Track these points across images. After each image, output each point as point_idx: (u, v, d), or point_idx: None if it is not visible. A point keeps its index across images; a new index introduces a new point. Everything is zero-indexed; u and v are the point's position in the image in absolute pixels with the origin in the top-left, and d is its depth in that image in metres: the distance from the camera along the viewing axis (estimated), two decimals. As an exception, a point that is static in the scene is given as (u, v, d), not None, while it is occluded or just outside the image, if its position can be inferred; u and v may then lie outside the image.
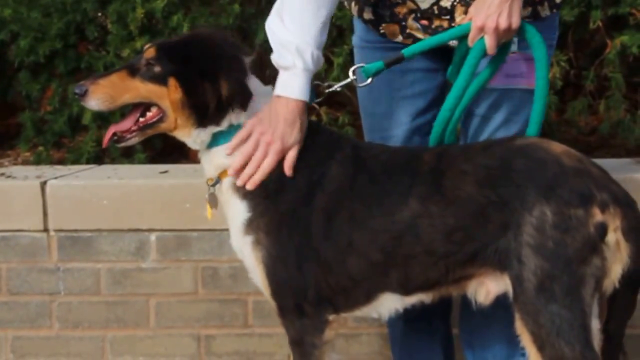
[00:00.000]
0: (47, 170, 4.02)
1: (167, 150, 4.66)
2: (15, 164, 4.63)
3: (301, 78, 2.69)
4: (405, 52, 2.83)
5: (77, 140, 4.70)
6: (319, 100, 2.86)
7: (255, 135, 2.65)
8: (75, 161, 4.53)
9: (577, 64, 4.67)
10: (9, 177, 3.86)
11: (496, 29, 2.68)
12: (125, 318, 3.75)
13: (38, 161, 4.60)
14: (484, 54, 2.73)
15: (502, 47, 2.76)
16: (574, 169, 2.48)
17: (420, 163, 2.62)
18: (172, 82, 2.61)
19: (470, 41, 2.74)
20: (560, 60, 4.32)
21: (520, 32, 2.74)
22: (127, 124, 2.68)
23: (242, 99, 2.63)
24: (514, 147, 2.57)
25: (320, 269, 2.61)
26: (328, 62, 4.44)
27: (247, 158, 2.64)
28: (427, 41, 2.85)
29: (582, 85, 4.42)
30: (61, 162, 4.61)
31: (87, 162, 4.48)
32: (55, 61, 4.63)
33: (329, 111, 4.40)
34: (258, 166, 2.64)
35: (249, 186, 2.63)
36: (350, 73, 2.83)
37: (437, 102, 3.06)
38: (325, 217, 2.60)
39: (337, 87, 2.83)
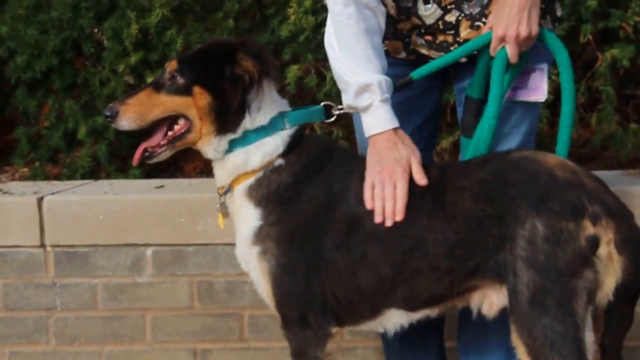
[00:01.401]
0: (43, 186, 4.02)
1: (162, 165, 4.66)
2: (12, 180, 4.64)
3: (383, 109, 2.74)
4: (414, 74, 2.86)
5: (73, 155, 4.72)
6: (329, 120, 2.89)
7: (377, 180, 2.67)
8: (71, 176, 4.55)
9: (569, 77, 4.68)
10: (5, 193, 3.87)
11: (517, 37, 2.73)
12: (121, 333, 3.75)
13: (34, 176, 4.62)
14: (508, 62, 2.77)
15: (520, 57, 2.80)
16: (566, 181, 2.48)
17: (428, 177, 2.65)
18: (197, 90, 2.67)
19: (492, 51, 2.78)
20: (551, 74, 4.34)
21: (540, 38, 2.78)
22: (157, 139, 2.73)
23: (271, 67, 2.69)
24: (508, 161, 2.58)
25: (329, 280, 2.63)
26: (320, 76, 4.47)
27: (383, 201, 2.65)
28: (436, 62, 2.88)
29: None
30: (57, 177, 4.63)
31: (83, 177, 4.50)
32: (52, 77, 4.66)
33: (322, 125, 4.41)
34: (394, 198, 2.64)
35: (398, 217, 2.61)
36: None
37: (433, 118, 3.12)
38: (345, 229, 2.63)
39: (348, 109, 2.85)
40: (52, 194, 3.80)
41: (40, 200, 3.72)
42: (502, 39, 2.75)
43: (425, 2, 2.87)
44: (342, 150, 2.83)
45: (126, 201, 3.71)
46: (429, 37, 2.93)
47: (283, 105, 2.77)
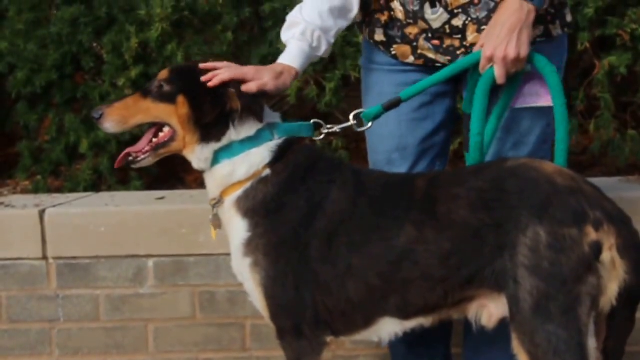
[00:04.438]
0: (45, 199, 4.05)
1: (163, 177, 4.68)
2: (14, 193, 4.65)
3: (294, 47, 2.86)
4: (403, 94, 2.86)
5: (75, 168, 4.73)
6: (318, 139, 2.90)
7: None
8: (73, 189, 4.57)
9: (567, 85, 4.69)
10: (7, 206, 3.89)
11: (504, 58, 2.72)
12: (124, 344, 3.76)
13: (36, 190, 4.63)
14: (494, 81, 2.76)
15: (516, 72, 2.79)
16: (566, 188, 2.47)
17: (414, 188, 2.63)
18: (180, 99, 2.69)
19: (481, 69, 2.78)
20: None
21: (530, 60, 2.77)
22: (141, 145, 2.76)
23: (257, 110, 2.69)
24: (505, 169, 2.57)
25: (318, 291, 2.61)
26: (320, 87, 4.49)
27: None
28: (425, 82, 2.87)
29: (572, 106, 4.44)
30: (59, 190, 4.64)
31: (85, 190, 4.52)
32: (52, 91, 4.68)
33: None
34: None
35: None
36: (351, 118, 2.87)
37: (444, 125, 3.10)
38: (325, 240, 2.61)
39: (337, 128, 2.86)
40: (54, 206, 3.82)
41: (42, 213, 3.73)
42: (490, 59, 2.75)
43: (432, 6, 2.88)
44: (327, 159, 2.79)
45: (127, 213, 3.73)
46: (436, 42, 2.94)
47: (272, 116, 2.77)
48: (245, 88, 2.71)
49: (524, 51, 2.73)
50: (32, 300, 3.76)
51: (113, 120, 2.72)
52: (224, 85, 2.69)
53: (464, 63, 2.84)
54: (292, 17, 2.93)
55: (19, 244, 3.73)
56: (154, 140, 2.74)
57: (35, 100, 4.74)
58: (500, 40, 2.71)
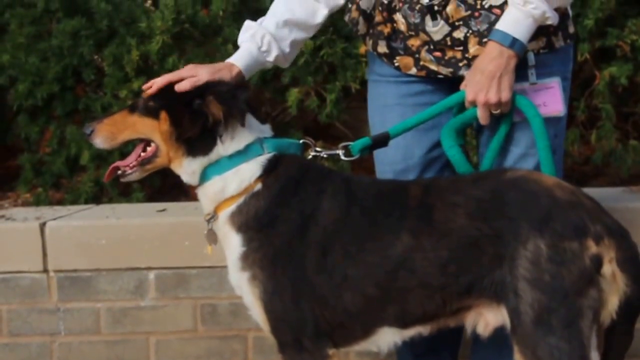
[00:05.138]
0: (46, 211, 4.04)
1: (165, 188, 4.68)
2: (15, 206, 4.65)
3: (242, 48, 2.94)
4: (392, 130, 2.88)
5: (76, 180, 4.73)
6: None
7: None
8: (74, 201, 4.57)
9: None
10: (8, 219, 3.88)
11: (486, 103, 2.76)
12: (125, 357, 3.75)
13: (37, 202, 4.64)
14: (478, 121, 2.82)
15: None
16: (566, 201, 2.47)
17: (408, 196, 2.62)
18: (163, 115, 2.69)
19: (467, 107, 2.83)
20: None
21: (513, 103, 2.79)
22: (130, 159, 2.77)
23: (238, 114, 2.66)
24: (505, 180, 2.57)
25: (316, 303, 2.61)
26: (321, 98, 4.50)
27: None
28: (413, 120, 2.90)
29: (573, 116, 4.45)
30: (60, 202, 4.64)
31: (86, 202, 4.52)
32: (53, 104, 4.69)
33: (325, 145, 4.43)
34: None
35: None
36: (340, 149, 2.88)
37: None
38: (319, 252, 2.60)
39: (324, 154, 2.87)
40: (54, 219, 3.82)
41: (42, 226, 3.73)
42: (472, 103, 2.79)
43: (433, 19, 2.89)
44: (316, 169, 2.78)
45: (128, 225, 3.73)
46: (438, 54, 2.95)
47: (262, 131, 2.76)
48: (178, 87, 2.72)
49: (505, 96, 2.76)
50: (32, 314, 3.75)
51: (102, 136, 2.74)
52: (202, 95, 2.68)
53: (450, 101, 2.87)
54: (249, 22, 3.01)
55: (19, 257, 3.72)
56: (142, 155, 2.75)
57: (36, 112, 4.75)
58: (480, 87, 2.76)
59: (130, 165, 2.76)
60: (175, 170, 2.75)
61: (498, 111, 2.79)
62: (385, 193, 2.68)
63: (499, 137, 2.90)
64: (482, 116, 2.80)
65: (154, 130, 2.70)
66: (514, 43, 2.74)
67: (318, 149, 2.86)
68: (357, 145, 2.87)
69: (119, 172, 2.77)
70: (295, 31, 3.01)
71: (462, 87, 2.83)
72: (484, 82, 2.74)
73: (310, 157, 2.86)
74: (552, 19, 2.79)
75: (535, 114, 2.78)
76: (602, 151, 4.54)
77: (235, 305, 3.68)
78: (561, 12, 2.88)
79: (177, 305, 3.73)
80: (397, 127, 2.89)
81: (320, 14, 3.06)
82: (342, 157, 2.88)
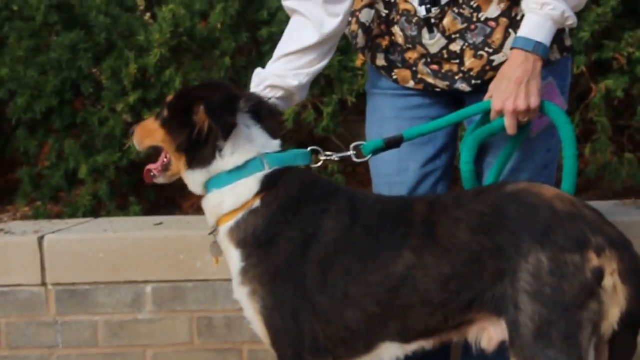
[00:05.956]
0: (44, 225, 4.06)
1: (160, 202, 4.70)
2: (14, 219, 4.67)
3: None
4: (406, 133, 2.84)
5: (74, 194, 4.74)
6: (316, 166, 2.87)
7: None
8: (73, 215, 4.58)
9: (563, 108, 4.71)
10: (7, 232, 3.90)
11: (514, 111, 2.71)
12: (122, 370, 3.76)
13: (36, 216, 4.64)
14: (505, 131, 2.76)
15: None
16: (567, 213, 2.45)
17: (413, 213, 2.60)
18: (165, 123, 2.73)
19: (492, 119, 2.78)
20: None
21: (542, 110, 2.75)
22: (158, 163, 2.82)
23: (221, 127, 2.60)
24: (505, 193, 2.54)
25: (316, 320, 2.60)
26: (317, 111, 4.51)
27: None
28: (430, 125, 2.87)
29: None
30: (59, 215, 4.65)
31: (84, 215, 4.53)
32: (52, 117, 4.69)
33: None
34: None
35: None
36: (351, 148, 2.85)
37: (446, 149, 3.10)
38: (321, 271, 2.58)
39: (336, 157, 2.85)
40: (53, 232, 3.84)
41: (41, 239, 3.75)
42: (500, 112, 2.74)
43: (430, 32, 2.89)
44: (321, 186, 2.72)
45: (126, 239, 3.75)
46: (435, 67, 2.95)
47: (267, 146, 2.72)
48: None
49: (534, 102, 2.71)
50: (31, 327, 3.77)
51: (135, 139, 2.83)
52: (196, 104, 2.64)
53: (473, 110, 2.84)
54: (257, 70, 2.99)
55: (18, 271, 3.74)
56: (164, 160, 2.79)
57: (35, 126, 4.76)
58: (508, 94, 2.70)
59: (157, 169, 2.80)
60: (184, 180, 2.77)
61: (526, 119, 2.75)
62: (390, 211, 2.65)
63: (509, 150, 2.88)
64: (509, 125, 2.73)
65: (164, 139, 2.73)
66: (537, 47, 2.72)
67: (328, 153, 2.85)
68: (369, 146, 2.85)
69: (152, 174, 2.81)
70: (295, 60, 2.95)
71: (486, 97, 2.80)
72: (512, 89, 2.70)
73: (321, 162, 2.85)
74: (572, 19, 2.76)
75: (566, 121, 2.74)
76: (596, 164, 4.53)
77: (230, 319, 3.70)
78: None
79: (174, 318, 3.75)
80: (412, 131, 2.86)
81: (330, 24, 2.95)
82: (354, 159, 2.84)
